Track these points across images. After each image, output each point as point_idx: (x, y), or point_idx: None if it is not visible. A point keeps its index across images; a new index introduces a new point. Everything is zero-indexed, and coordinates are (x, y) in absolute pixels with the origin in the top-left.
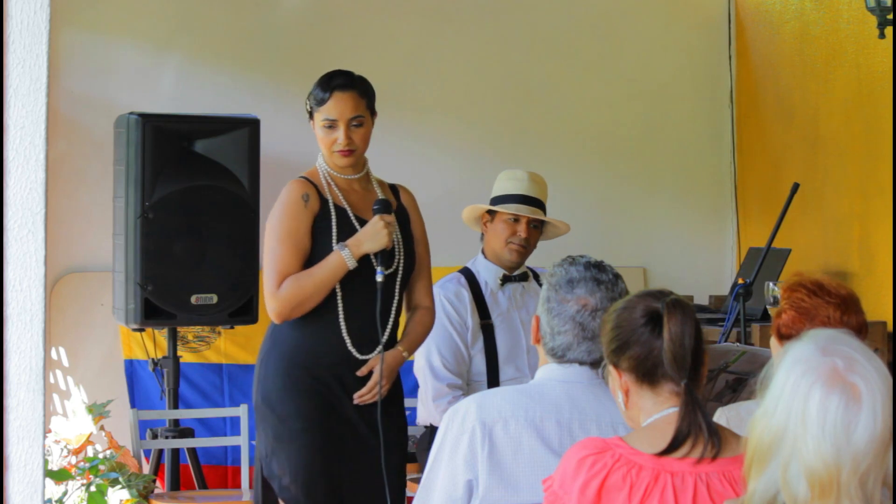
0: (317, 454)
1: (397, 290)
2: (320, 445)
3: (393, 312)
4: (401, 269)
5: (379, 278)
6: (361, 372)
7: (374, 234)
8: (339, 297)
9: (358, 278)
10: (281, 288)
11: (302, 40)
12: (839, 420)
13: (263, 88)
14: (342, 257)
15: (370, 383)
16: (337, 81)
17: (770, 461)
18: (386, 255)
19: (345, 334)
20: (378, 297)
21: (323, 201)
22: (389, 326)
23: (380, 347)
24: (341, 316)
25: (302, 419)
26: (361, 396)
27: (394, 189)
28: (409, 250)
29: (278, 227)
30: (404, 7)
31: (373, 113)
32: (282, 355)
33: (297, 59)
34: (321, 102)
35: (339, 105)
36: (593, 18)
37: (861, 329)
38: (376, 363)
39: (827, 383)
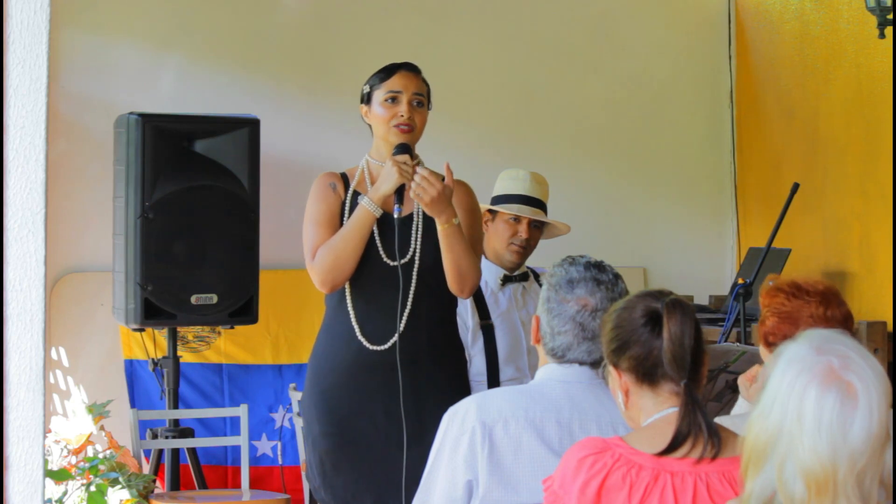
0: (327, 458)
1: (414, 280)
2: (333, 448)
3: (410, 302)
4: (417, 259)
5: (396, 214)
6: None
7: (386, 175)
8: (347, 293)
9: (367, 272)
10: (315, 257)
11: (302, 40)
12: (835, 418)
13: (263, 88)
14: (363, 206)
15: (417, 178)
16: (402, 63)
17: (766, 461)
18: (400, 194)
19: (354, 324)
20: (400, 283)
21: (350, 191)
22: (406, 315)
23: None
24: (351, 312)
25: (321, 423)
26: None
27: None
28: (435, 244)
29: (308, 212)
30: (404, 7)
31: (430, 104)
32: (312, 356)
33: (297, 59)
34: (384, 79)
35: (403, 79)
36: (593, 18)
37: (847, 320)
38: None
39: (823, 382)
